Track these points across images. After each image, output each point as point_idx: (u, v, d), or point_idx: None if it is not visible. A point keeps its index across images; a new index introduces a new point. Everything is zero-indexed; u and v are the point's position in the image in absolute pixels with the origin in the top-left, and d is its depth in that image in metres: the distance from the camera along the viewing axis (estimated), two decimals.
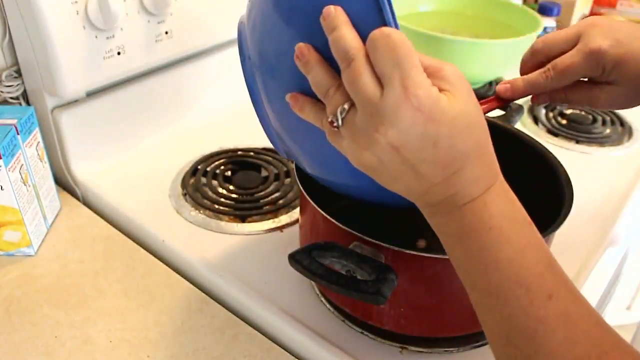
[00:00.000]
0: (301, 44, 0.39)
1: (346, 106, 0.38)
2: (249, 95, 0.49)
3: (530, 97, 0.57)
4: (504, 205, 0.38)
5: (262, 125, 0.51)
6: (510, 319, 0.37)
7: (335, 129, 0.39)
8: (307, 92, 0.41)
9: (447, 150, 0.36)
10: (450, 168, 0.37)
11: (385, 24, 0.36)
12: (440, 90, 0.36)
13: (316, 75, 0.39)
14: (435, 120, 0.35)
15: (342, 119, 0.38)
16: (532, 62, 0.56)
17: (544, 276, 0.37)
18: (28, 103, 0.77)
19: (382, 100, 0.35)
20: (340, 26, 0.36)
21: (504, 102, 0.57)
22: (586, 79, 0.55)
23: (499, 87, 0.57)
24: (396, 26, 0.36)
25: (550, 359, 0.35)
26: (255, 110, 0.50)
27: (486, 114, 0.56)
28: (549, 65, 0.54)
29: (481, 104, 0.55)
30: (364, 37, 0.36)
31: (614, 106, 0.55)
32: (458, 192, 0.38)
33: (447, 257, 0.50)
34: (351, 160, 0.40)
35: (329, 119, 0.39)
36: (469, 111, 0.37)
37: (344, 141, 0.39)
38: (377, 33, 0.35)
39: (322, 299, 0.62)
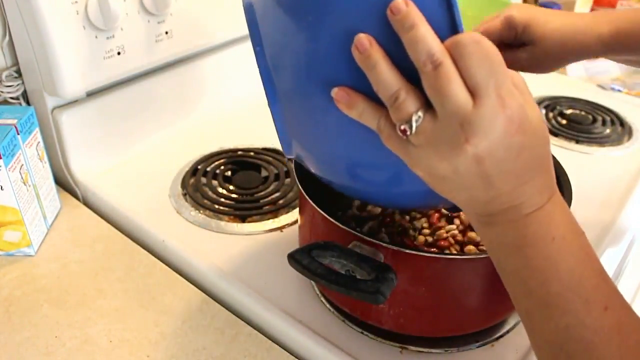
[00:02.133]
0: (362, 34, 0.35)
1: (421, 113, 0.35)
2: (263, 88, 0.45)
3: None
4: (564, 215, 0.38)
5: (274, 117, 0.46)
6: (567, 329, 0.37)
7: (404, 137, 0.37)
8: (331, 74, 0.38)
9: (526, 160, 0.36)
10: (523, 178, 0.37)
11: (455, 24, 0.35)
12: None
13: (381, 74, 0.35)
14: (523, 130, 0.35)
15: (417, 127, 0.36)
16: None
17: (600, 287, 0.37)
18: (28, 103, 0.77)
19: (477, 110, 0.33)
20: (418, 25, 0.34)
21: None
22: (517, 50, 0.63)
23: None
24: (461, 25, 0.35)
25: None
26: (267, 97, 0.45)
27: None
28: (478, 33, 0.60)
29: None
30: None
31: (535, 67, 0.63)
32: (525, 201, 0.37)
33: (446, 256, 0.51)
34: (415, 169, 0.38)
35: (400, 127, 0.36)
36: (543, 121, 0.37)
37: (412, 149, 0.37)
38: (468, 38, 0.33)
39: (322, 298, 0.62)
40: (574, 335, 0.37)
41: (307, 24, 0.39)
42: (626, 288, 1.41)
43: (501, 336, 0.59)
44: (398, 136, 0.37)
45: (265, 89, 0.44)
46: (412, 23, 0.34)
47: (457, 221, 0.62)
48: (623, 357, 0.36)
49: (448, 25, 0.35)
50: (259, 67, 0.44)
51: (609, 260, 0.70)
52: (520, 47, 0.62)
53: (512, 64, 0.61)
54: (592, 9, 1.37)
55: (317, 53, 0.39)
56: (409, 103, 0.35)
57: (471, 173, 0.35)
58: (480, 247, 0.60)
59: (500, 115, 0.34)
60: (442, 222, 0.62)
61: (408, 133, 0.36)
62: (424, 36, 0.34)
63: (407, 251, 0.49)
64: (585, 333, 0.36)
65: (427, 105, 0.36)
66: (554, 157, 0.60)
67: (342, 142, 0.43)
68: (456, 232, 0.60)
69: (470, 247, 0.60)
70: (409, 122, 0.36)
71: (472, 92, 0.34)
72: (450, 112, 0.34)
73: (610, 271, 0.70)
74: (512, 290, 0.40)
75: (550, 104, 1.04)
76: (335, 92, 0.38)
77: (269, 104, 0.45)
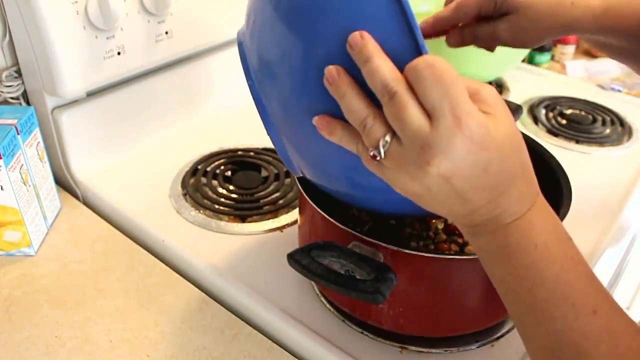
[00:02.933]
0: (331, 66, 0.37)
1: (388, 138, 0.36)
2: (257, 110, 0.47)
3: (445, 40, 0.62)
4: (547, 222, 0.39)
5: (273, 142, 0.49)
6: (556, 334, 0.37)
7: (375, 161, 0.38)
8: (312, 102, 0.40)
9: (496, 174, 0.36)
10: (498, 190, 0.37)
11: (418, 47, 0.35)
12: (484, 112, 0.36)
13: (350, 103, 0.37)
14: (486, 147, 0.35)
15: (385, 152, 0.37)
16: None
17: (587, 291, 0.37)
18: (28, 103, 0.77)
19: (433, 132, 0.34)
20: (372, 57, 0.35)
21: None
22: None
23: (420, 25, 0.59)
24: (424, 47, 0.35)
25: None
26: (264, 125, 0.48)
27: None
28: (453, 2, 0.60)
29: None
30: (395, 61, 0.35)
31: (517, 40, 0.59)
32: (504, 211, 0.37)
33: (446, 256, 0.51)
34: (395, 188, 0.39)
35: (370, 152, 0.37)
36: (513, 132, 0.37)
37: (386, 170, 0.38)
38: (421, 63, 0.34)
39: (322, 299, 0.62)
40: (564, 340, 0.37)
41: (288, 58, 0.40)
42: (626, 288, 1.42)
43: (501, 336, 0.59)
44: (375, 161, 0.38)
45: (261, 116, 0.47)
46: (367, 56, 0.35)
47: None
48: (616, 358, 0.36)
49: (412, 49, 0.35)
50: (252, 98, 0.46)
51: (609, 261, 0.70)
52: (500, 17, 0.59)
53: (491, 37, 0.59)
54: None
55: (298, 84, 0.41)
56: (376, 129, 0.36)
57: (443, 191, 0.36)
58: None
59: (458, 135, 0.34)
60: (441, 224, 0.62)
61: (377, 158, 0.37)
62: (377, 68, 0.35)
63: (407, 251, 0.49)
64: (575, 337, 0.36)
65: (393, 131, 0.36)
66: (554, 157, 0.61)
67: (337, 163, 0.44)
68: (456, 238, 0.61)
69: (471, 247, 0.60)
70: (377, 147, 0.37)
71: (429, 115, 0.35)
72: (410, 136, 0.35)
73: (610, 271, 0.70)
74: (502, 297, 0.40)
75: (550, 104, 1.04)
76: (315, 120, 0.40)
77: (267, 131, 0.47)
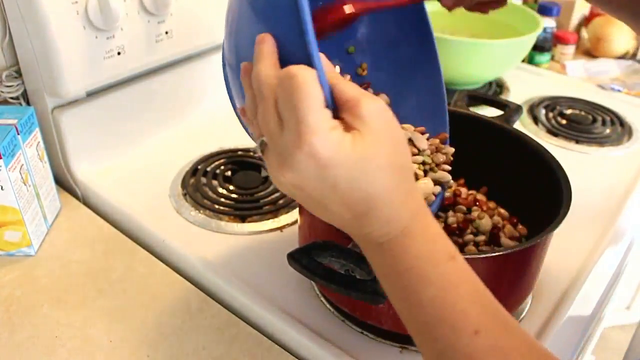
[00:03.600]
0: (245, 62, 0.39)
1: (264, 139, 0.38)
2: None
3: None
4: (422, 245, 0.37)
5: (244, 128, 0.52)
6: (441, 354, 0.37)
7: (260, 153, 0.40)
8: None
9: (348, 192, 0.36)
10: (357, 208, 0.36)
11: (309, 56, 0.35)
12: (350, 129, 0.36)
13: (249, 98, 0.39)
14: (332, 166, 0.35)
15: (262, 150, 0.39)
16: None
17: (468, 312, 0.36)
18: (28, 103, 0.77)
19: (281, 142, 0.36)
20: (259, 60, 0.37)
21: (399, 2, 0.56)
22: None
23: None
24: (316, 56, 0.35)
25: None
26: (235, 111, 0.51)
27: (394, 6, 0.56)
28: None
29: (375, 5, 0.55)
30: (292, 63, 0.36)
31: None
32: (373, 231, 0.37)
33: None
34: None
35: (253, 149, 0.40)
36: (375, 153, 0.35)
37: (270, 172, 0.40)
38: (283, 74, 0.35)
39: (322, 298, 0.62)
40: None
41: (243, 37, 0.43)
42: (626, 288, 1.42)
43: None
44: None
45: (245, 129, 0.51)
46: (257, 58, 0.37)
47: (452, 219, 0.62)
48: None
49: (305, 56, 0.36)
50: (235, 113, 0.51)
51: (608, 261, 0.70)
52: None
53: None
54: (591, 9, 1.37)
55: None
56: (256, 127, 0.39)
57: (302, 198, 0.37)
58: (480, 248, 0.60)
59: (297, 151, 0.35)
60: (441, 224, 0.62)
61: (257, 154, 0.39)
62: (258, 72, 0.37)
63: None
64: (459, 358, 0.36)
65: None
66: (554, 157, 0.61)
67: None
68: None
69: (471, 247, 0.60)
70: (257, 144, 0.39)
71: (282, 126, 0.36)
72: (269, 141, 0.37)
73: (610, 271, 0.70)
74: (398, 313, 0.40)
75: (550, 104, 1.04)
76: (239, 108, 0.44)
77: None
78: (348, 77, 0.59)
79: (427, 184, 0.54)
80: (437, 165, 0.56)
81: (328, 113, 0.35)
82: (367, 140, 0.35)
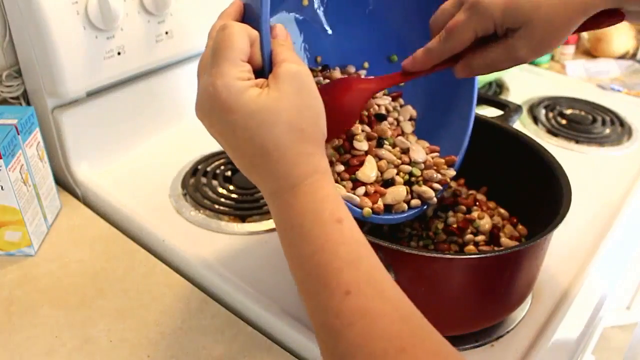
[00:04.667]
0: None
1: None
2: None
3: (454, 72, 0.54)
4: (309, 204, 0.39)
5: None
6: (314, 313, 0.38)
7: None
8: None
9: (246, 141, 0.39)
10: (253, 159, 0.40)
11: (258, 16, 0.40)
12: (262, 85, 0.39)
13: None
14: (231, 110, 0.38)
15: None
16: (434, 36, 0.53)
17: (342, 272, 0.37)
18: (28, 103, 0.77)
19: (200, 82, 0.40)
20: (220, 17, 0.43)
21: (411, 75, 0.54)
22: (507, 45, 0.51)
23: (404, 62, 0.54)
24: (264, 20, 0.40)
25: (349, 353, 0.36)
26: None
27: (391, 87, 0.57)
28: (442, 30, 0.51)
29: (387, 78, 0.55)
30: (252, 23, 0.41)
31: (538, 51, 0.49)
32: (265, 185, 0.40)
33: (446, 256, 0.51)
34: None
35: None
36: (275, 109, 0.38)
37: None
38: (220, 25, 0.40)
39: None
40: (320, 320, 0.37)
41: None
42: (626, 288, 1.42)
43: (501, 336, 0.59)
44: None
45: None
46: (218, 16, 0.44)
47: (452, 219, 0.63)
48: (367, 342, 0.35)
49: (258, 19, 0.40)
50: None
51: (608, 260, 0.70)
52: (509, 34, 0.49)
53: (507, 59, 0.50)
54: None
55: None
56: None
57: (215, 135, 0.41)
58: (480, 248, 0.60)
59: (206, 89, 0.39)
60: (441, 224, 0.62)
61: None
62: (212, 25, 0.43)
63: (407, 251, 0.49)
64: (328, 317, 0.37)
65: None
66: (554, 157, 0.61)
67: None
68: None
69: (471, 247, 0.60)
70: None
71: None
72: (197, 82, 0.42)
73: (610, 271, 0.70)
74: None
75: (550, 104, 1.04)
76: None
77: None
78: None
79: (396, 190, 0.54)
80: (427, 181, 0.56)
81: (244, 66, 0.39)
82: (272, 96, 0.38)
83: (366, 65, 0.64)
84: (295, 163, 0.39)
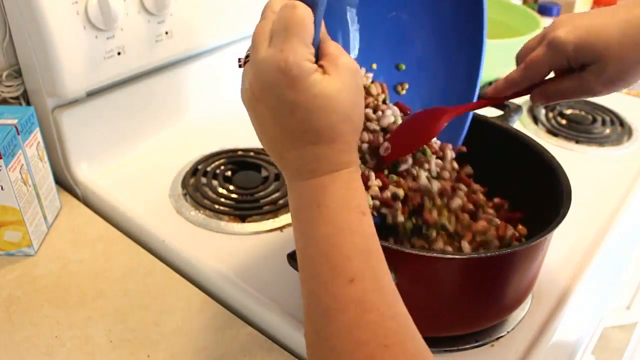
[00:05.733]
0: None
1: (249, 52, 0.41)
2: None
3: (529, 98, 0.58)
4: (342, 191, 0.40)
5: None
6: (311, 293, 0.39)
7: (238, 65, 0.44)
8: None
9: (301, 121, 0.39)
10: (302, 140, 0.40)
11: (313, 3, 0.40)
12: (324, 71, 0.39)
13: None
14: (296, 89, 0.38)
15: (244, 62, 0.43)
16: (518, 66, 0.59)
17: (352, 260, 0.38)
18: (28, 103, 0.77)
19: (262, 54, 0.39)
20: None
21: (493, 101, 0.61)
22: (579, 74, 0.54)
23: (489, 89, 0.60)
24: (319, 12, 0.40)
25: (334, 338, 0.37)
26: None
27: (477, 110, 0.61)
28: (522, 63, 0.57)
29: (475, 104, 0.61)
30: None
31: (611, 88, 0.52)
32: (303, 165, 0.40)
33: (445, 256, 0.51)
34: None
35: (239, 57, 0.44)
36: (336, 97, 0.39)
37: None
38: (290, 3, 0.39)
39: None
40: (316, 300, 0.38)
41: None
42: (626, 288, 1.42)
43: (501, 336, 0.59)
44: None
45: None
46: None
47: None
48: (353, 330, 0.36)
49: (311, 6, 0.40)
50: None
51: (608, 260, 0.70)
52: (583, 70, 0.52)
53: (581, 91, 0.53)
54: (591, 8, 1.37)
55: None
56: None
57: (258, 111, 0.41)
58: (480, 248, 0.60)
59: (273, 63, 0.38)
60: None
61: (240, 63, 0.43)
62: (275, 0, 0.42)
63: (407, 251, 0.49)
64: (325, 298, 0.38)
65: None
66: (554, 157, 0.61)
67: None
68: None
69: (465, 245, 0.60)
70: (244, 56, 0.43)
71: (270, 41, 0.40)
72: (252, 53, 0.40)
73: (609, 271, 0.70)
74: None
75: (550, 104, 1.04)
76: None
77: None
78: (384, 85, 0.63)
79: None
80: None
81: (312, 49, 0.39)
82: (335, 85, 0.39)
83: (374, 66, 0.65)
84: (342, 151, 0.40)
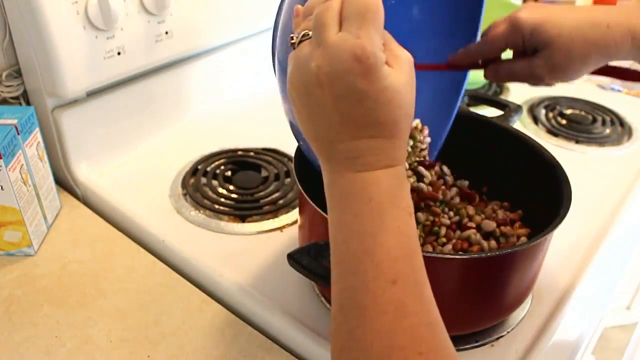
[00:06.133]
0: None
1: (310, 33, 0.39)
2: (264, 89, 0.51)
3: (483, 74, 0.60)
4: (394, 187, 0.39)
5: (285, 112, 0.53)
6: (350, 289, 0.38)
7: (291, 47, 0.41)
8: None
9: (368, 112, 0.37)
10: (363, 131, 0.38)
11: None
12: (388, 64, 0.38)
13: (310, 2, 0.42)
14: (369, 79, 0.37)
15: (300, 41, 0.40)
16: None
17: (397, 261, 0.37)
18: (28, 103, 0.77)
19: (334, 37, 0.37)
20: None
21: (452, 68, 0.61)
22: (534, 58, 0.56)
23: (449, 55, 0.60)
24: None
25: (368, 338, 0.36)
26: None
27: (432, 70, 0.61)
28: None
29: (434, 65, 0.61)
30: None
31: (555, 74, 0.55)
32: (358, 157, 0.39)
33: (445, 256, 0.51)
34: (288, 85, 0.41)
35: (291, 35, 0.41)
36: (401, 91, 0.38)
37: (290, 60, 0.41)
38: None
39: (322, 299, 0.62)
40: (355, 298, 0.37)
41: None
42: (626, 288, 1.42)
43: (501, 336, 0.59)
44: (289, 49, 0.42)
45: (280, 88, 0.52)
46: None
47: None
48: (390, 334, 0.35)
49: None
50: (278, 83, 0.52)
51: (608, 261, 0.70)
52: (535, 53, 0.55)
53: (528, 75, 0.56)
54: None
55: None
56: (308, 22, 0.40)
57: (315, 96, 0.38)
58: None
59: (349, 49, 0.36)
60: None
61: (292, 42, 0.41)
62: None
63: None
64: (365, 298, 0.36)
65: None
66: (554, 157, 0.61)
67: None
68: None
69: (473, 248, 0.60)
70: (299, 34, 0.40)
71: (340, 24, 0.38)
72: (316, 32, 0.38)
73: (610, 271, 0.70)
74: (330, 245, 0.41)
75: (550, 104, 1.04)
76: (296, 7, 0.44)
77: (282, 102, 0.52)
78: None
79: None
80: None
81: (382, 41, 0.38)
82: (401, 79, 0.38)
83: None
84: (399, 147, 0.40)
